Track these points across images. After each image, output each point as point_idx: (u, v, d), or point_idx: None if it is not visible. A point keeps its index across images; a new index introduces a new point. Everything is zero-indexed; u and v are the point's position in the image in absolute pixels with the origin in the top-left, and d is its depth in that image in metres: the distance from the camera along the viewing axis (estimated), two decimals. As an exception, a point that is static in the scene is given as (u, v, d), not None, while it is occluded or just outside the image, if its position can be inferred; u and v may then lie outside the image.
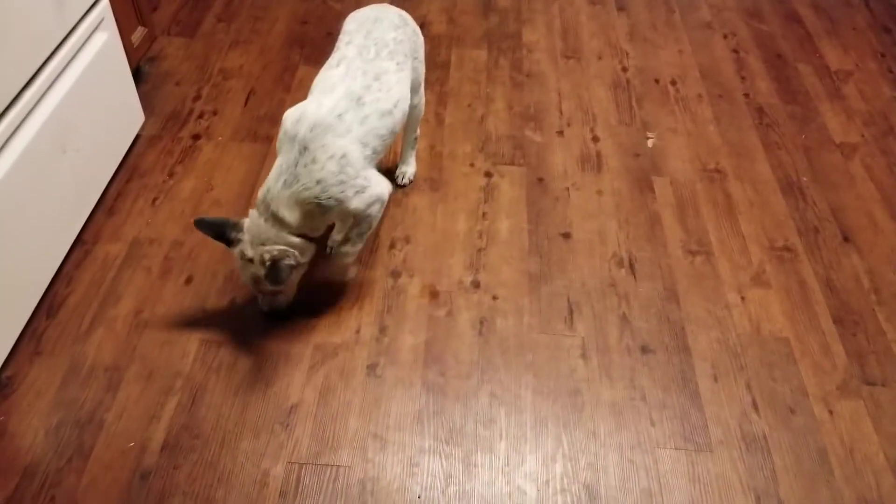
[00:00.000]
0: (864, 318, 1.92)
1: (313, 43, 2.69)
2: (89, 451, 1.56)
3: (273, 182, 1.58)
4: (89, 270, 1.90)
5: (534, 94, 2.55)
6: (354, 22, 1.80)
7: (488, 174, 2.25)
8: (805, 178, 2.30)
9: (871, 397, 1.75)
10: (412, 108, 2.00)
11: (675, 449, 1.64)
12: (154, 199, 2.10)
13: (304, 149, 1.55)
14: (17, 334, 1.71)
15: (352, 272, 1.89)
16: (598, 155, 2.35)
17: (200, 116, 2.37)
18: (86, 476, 1.53)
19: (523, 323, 1.87)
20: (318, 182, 1.56)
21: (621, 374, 1.77)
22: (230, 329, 1.80)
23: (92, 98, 1.93)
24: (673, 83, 2.64)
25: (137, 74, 2.35)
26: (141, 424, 1.61)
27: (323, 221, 1.67)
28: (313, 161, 1.55)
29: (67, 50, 1.82)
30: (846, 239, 2.12)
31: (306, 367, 1.74)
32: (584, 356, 1.81)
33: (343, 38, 1.77)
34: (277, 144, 1.65)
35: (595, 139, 2.40)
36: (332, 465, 1.58)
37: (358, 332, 1.82)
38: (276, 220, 1.59)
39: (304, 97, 2.46)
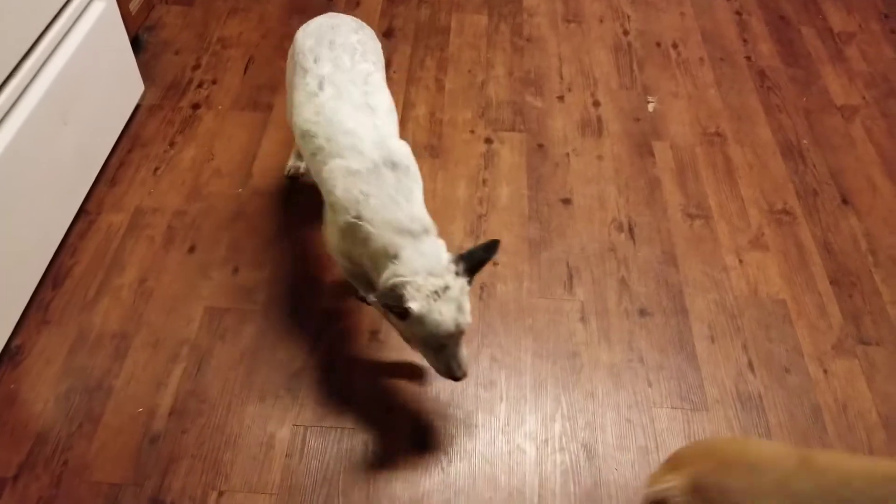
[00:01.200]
0: (860, 280, 1.93)
1: (313, 10, 2.65)
2: (99, 416, 1.60)
3: (391, 209, 1.41)
4: (93, 240, 1.93)
5: (534, 58, 2.54)
6: (311, 37, 1.67)
7: (489, 140, 2.26)
8: (805, 141, 2.29)
9: (865, 356, 1.78)
10: None
11: (672, 408, 1.68)
12: (156, 169, 2.11)
13: (393, 164, 1.46)
14: (24, 304, 1.74)
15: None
16: (599, 120, 2.34)
17: (200, 85, 2.36)
18: (96, 441, 1.57)
19: (523, 288, 1.89)
20: (417, 181, 1.50)
21: (619, 337, 1.80)
22: (234, 296, 1.82)
23: (91, 68, 1.93)
24: (675, 46, 2.61)
25: (136, 43, 2.34)
26: (149, 390, 1.65)
27: None
28: (406, 169, 1.48)
29: (65, 19, 1.81)
30: (845, 201, 2.13)
31: (311, 332, 1.77)
32: (583, 320, 1.83)
33: (307, 57, 1.62)
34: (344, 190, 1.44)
35: (596, 104, 2.39)
36: (336, 428, 1.62)
37: (361, 297, 1.84)
38: (427, 230, 1.43)
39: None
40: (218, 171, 2.11)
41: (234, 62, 2.45)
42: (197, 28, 2.57)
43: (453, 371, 1.43)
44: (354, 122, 1.50)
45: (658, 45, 2.62)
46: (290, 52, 1.77)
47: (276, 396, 1.66)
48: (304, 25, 1.75)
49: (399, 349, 1.75)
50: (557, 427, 1.64)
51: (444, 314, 1.34)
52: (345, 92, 1.54)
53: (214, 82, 2.37)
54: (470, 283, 1.40)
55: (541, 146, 2.25)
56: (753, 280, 1.92)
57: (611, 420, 1.66)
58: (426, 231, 1.42)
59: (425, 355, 1.46)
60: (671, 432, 1.64)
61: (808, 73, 2.53)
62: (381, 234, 1.41)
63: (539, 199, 2.10)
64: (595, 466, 1.58)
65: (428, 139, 2.24)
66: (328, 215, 1.56)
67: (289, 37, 2.53)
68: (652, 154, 2.24)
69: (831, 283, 1.92)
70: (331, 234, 1.56)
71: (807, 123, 2.35)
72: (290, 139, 2.20)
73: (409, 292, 1.33)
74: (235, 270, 1.88)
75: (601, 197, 2.11)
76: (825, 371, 1.75)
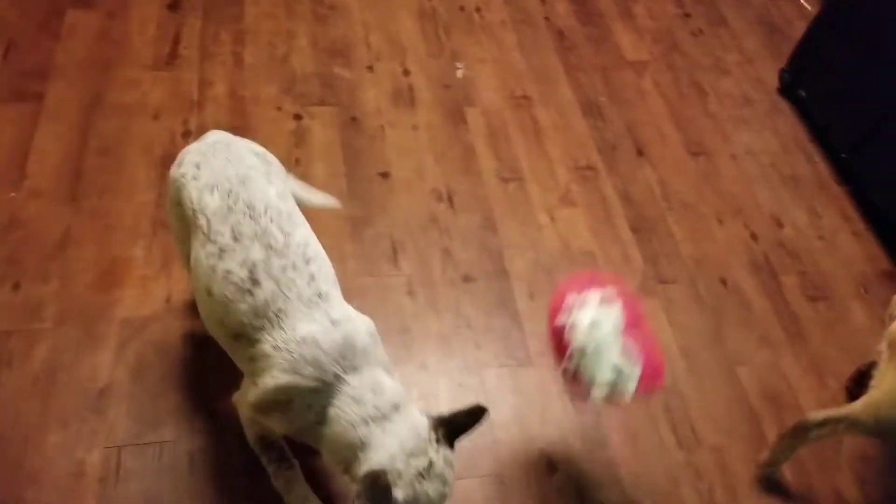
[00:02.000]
0: (656, 225, 2.11)
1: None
2: None
3: (353, 410, 1.19)
4: None
5: (339, 27, 2.45)
6: (210, 190, 1.26)
7: (298, 117, 2.16)
8: (603, 98, 2.44)
9: (664, 294, 1.95)
10: None
11: (500, 367, 1.74)
12: None
13: (355, 368, 1.21)
14: None
15: None
16: (411, 89, 2.32)
17: (-51, 76, 2.03)
18: None
19: (348, 269, 1.85)
20: (380, 363, 1.28)
21: (447, 306, 1.83)
22: (17, 316, 1.61)
23: None
24: (478, 10, 2.64)
25: None
26: (-81, 438, 1.43)
27: None
28: (368, 359, 1.24)
29: None
30: (640, 153, 2.30)
31: (113, 345, 1.61)
32: (410, 293, 1.83)
33: (216, 229, 1.24)
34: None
35: (406, 73, 2.37)
36: (155, 443, 1.50)
37: (168, 300, 1.70)
38: (397, 406, 1.23)
39: (79, 45, 2.21)
40: (-18, 175, 1.84)
41: (-9, 46, 2.13)
42: (-62, 7, 2.20)
43: None
44: (308, 328, 1.20)
45: (462, 9, 2.63)
46: (175, 194, 1.33)
47: (82, 419, 1.50)
48: (192, 163, 1.31)
49: (219, 351, 1.64)
50: (392, 404, 1.64)
51: (432, 494, 1.18)
52: (289, 287, 1.21)
53: (-33, 71, 2.05)
54: (452, 449, 1.23)
55: (354, 119, 2.19)
56: (565, 235, 2.03)
57: (444, 387, 1.69)
58: (395, 408, 1.21)
59: None
60: (501, 389, 1.70)
61: (602, 31, 2.68)
62: (343, 434, 1.20)
63: (357, 175, 2.06)
64: (432, 437, 1.60)
65: (230, 119, 2.10)
66: (258, 398, 1.24)
67: (56, 14, 2.26)
68: (465, 121, 2.26)
69: (632, 230, 2.08)
70: (257, 419, 1.29)
71: (603, 81, 2.50)
72: (71, 134, 1.97)
73: (392, 480, 1.15)
74: (16, 287, 1.66)
75: (419, 168, 2.11)
76: (632, 313, 1.90)
